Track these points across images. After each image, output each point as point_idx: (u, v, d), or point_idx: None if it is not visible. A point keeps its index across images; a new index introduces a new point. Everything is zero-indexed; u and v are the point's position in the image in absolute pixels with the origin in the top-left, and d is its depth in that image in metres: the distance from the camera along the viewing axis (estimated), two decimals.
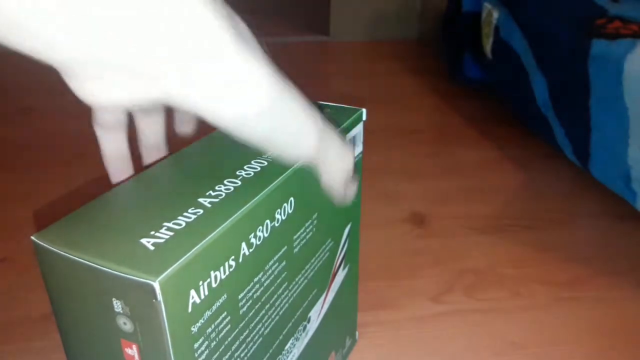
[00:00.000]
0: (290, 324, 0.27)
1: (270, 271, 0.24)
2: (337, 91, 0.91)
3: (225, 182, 0.23)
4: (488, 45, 0.76)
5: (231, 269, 0.21)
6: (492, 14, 0.74)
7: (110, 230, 0.20)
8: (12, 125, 0.77)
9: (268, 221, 0.23)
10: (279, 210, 0.24)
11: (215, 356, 0.21)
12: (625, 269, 0.48)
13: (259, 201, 0.22)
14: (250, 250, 0.22)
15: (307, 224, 0.27)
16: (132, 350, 0.19)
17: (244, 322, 0.23)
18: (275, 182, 0.23)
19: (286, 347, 0.27)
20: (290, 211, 0.25)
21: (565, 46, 0.57)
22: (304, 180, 0.25)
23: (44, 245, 0.19)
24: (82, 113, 0.79)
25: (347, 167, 0.25)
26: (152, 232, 0.20)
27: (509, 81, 0.71)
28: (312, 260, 0.28)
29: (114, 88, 0.18)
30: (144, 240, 0.19)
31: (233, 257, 0.21)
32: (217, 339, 0.21)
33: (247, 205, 0.22)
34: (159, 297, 0.18)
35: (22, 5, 0.15)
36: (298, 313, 0.28)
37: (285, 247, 0.25)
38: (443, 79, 0.97)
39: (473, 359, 0.39)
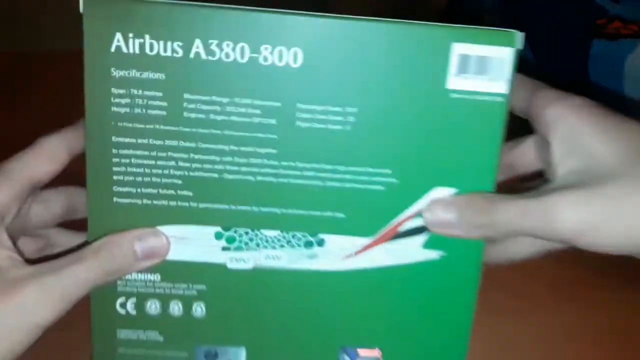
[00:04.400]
0: (279, 211, 0.24)
1: (244, 109, 0.23)
2: None
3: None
4: None
5: (176, 55, 0.22)
6: None
7: None
8: (11, 124, 0.73)
9: (246, 45, 0.22)
10: (266, 46, 0.22)
11: (137, 125, 0.23)
12: (627, 269, 0.43)
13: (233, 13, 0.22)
14: (209, 57, 0.22)
15: (331, 108, 0.23)
16: None
17: (188, 129, 0.23)
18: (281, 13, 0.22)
19: (264, 231, 0.25)
20: (292, 64, 0.23)
21: (565, 46, 0.56)
22: (334, 50, 0.23)
23: None
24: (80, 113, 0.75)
25: None
26: None
27: None
28: (335, 165, 0.24)
29: None
30: None
31: (180, 43, 0.22)
32: (143, 110, 0.23)
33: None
34: (81, 9, 0.22)
35: None
36: (295, 211, 0.25)
37: (280, 103, 0.23)
38: None
39: None
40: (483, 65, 0.23)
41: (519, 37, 0.23)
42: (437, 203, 0.24)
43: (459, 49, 0.22)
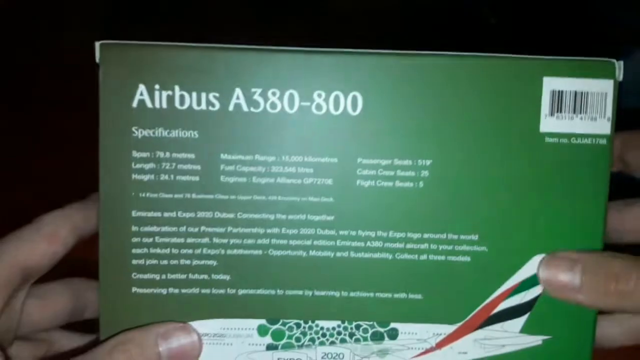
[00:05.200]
0: (338, 294, 0.19)
1: (293, 169, 0.19)
2: None
3: None
4: None
5: (211, 108, 0.19)
6: None
7: None
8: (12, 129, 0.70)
9: (295, 92, 0.18)
10: (319, 92, 0.19)
11: (163, 195, 0.19)
12: None
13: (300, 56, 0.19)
14: (251, 108, 0.19)
15: (399, 162, 0.19)
16: None
17: (225, 197, 0.19)
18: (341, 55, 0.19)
19: (320, 322, 0.20)
20: (351, 111, 0.19)
21: (565, 50, 0.59)
22: (398, 86, 0.19)
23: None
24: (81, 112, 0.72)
25: None
26: None
27: None
28: (406, 232, 0.19)
29: None
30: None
31: (217, 94, 0.18)
32: (170, 176, 0.19)
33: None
34: (97, 57, 0.18)
35: None
36: (358, 294, 0.20)
37: (337, 159, 0.19)
38: None
39: None
40: (580, 102, 0.19)
41: (619, 66, 0.19)
42: (557, 259, 0.19)
43: (551, 84, 0.19)
